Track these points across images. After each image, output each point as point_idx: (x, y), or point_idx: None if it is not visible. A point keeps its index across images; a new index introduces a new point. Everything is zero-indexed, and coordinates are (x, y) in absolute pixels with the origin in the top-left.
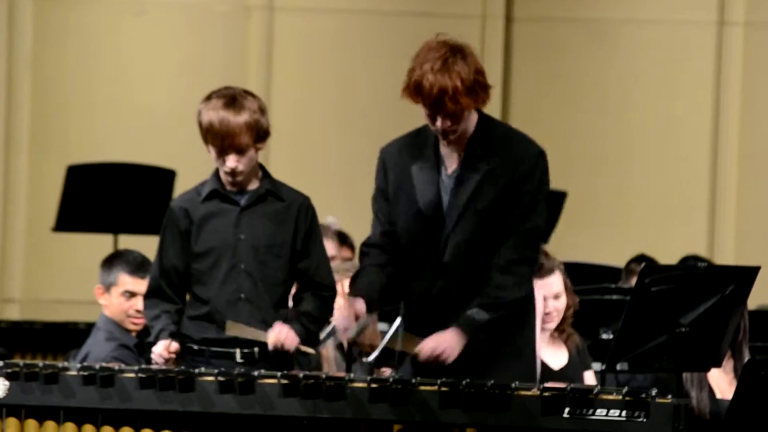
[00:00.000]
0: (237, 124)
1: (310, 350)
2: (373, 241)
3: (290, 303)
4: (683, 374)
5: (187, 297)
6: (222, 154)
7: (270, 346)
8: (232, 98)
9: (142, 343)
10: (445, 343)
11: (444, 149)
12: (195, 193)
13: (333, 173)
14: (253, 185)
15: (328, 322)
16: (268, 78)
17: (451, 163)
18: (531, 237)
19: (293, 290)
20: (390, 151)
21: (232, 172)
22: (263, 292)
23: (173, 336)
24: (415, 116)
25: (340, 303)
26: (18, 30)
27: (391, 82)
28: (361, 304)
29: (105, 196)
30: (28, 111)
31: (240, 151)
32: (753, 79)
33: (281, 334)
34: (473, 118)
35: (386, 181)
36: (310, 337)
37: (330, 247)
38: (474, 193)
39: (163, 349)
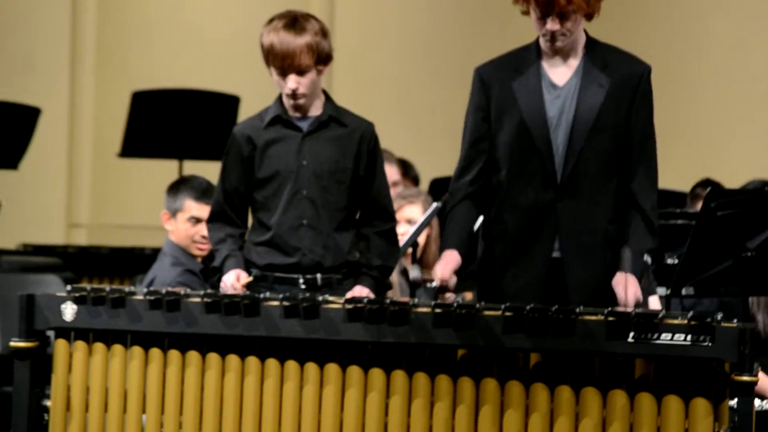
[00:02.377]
0: (297, 45)
1: None
2: (460, 188)
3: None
4: (749, 298)
5: (250, 222)
6: (283, 75)
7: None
8: (293, 20)
9: (207, 269)
10: (635, 287)
11: (550, 63)
12: (258, 119)
13: (394, 100)
14: (316, 111)
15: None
16: (332, 2)
17: (558, 76)
18: (655, 167)
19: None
20: (488, 68)
21: (294, 94)
22: (325, 218)
23: (242, 266)
24: (476, 43)
25: (402, 230)
26: None
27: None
28: (458, 258)
29: (170, 122)
30: (94, 37)
31: (300, 72)
32: None
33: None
34: (582, 33)
35: (486, 98)
36: (381, 288)
37: (392, 173)
38: (602, 108)
39: (234, 280)
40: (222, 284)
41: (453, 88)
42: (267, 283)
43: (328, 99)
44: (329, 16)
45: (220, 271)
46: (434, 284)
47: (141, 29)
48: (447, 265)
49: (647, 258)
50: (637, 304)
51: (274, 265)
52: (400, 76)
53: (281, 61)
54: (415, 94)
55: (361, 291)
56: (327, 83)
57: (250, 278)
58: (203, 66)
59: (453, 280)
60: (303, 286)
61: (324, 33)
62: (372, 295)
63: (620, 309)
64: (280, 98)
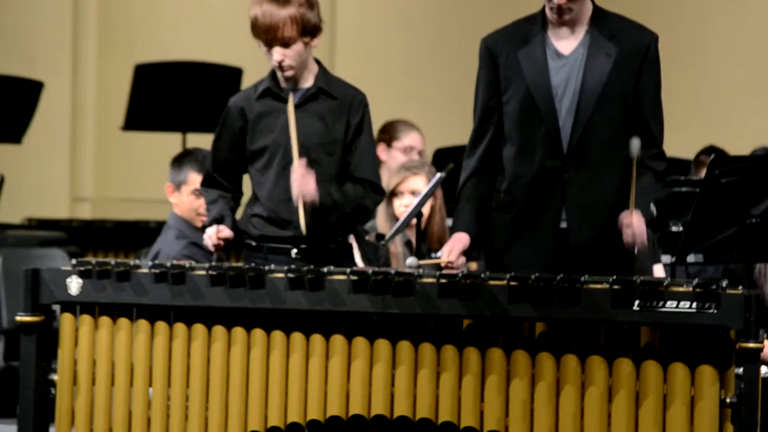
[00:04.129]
0: (281, 17)
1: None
2: (471, 164)
3: None
4: (756, 266)
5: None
6: (268, 47)
7: (293, 191)
8: None
9: None
10: (643, 225)
11: (554, 32)
12: (252, 90)
13: (397, 72)
14: (308, 82)
15: (368, 213)
16: None
17: (564, 45)
18: (662, 131)
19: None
20: (494, 38)
21: (280, 66)
22: (316, 189)
23: (222, 221)
24: (478, 17)
25: (406, 202)
26: None
27: None
28: (466, 240)
29: (173, 95)
30: (95, 10)
31: (285, 44)
32: None
33: (305, 185)
34: (588, 3)
35: (494, 68)
36: (333, 206)
37: (415, 139)
38: (609, 77)
39: (213, 233)
40: (205, 238)
41: (456, 59)
42: (261, 253)
43: (322, 69)
44: None
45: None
46: (438, 254)
47: (142, 2)
48: (454, 247)
49: (653, 208)
50: (642, 244)
51: (267, 236)
52: (403, 47)
53: (265, 34)
54: (418, 65)
55: (310, 177)
56: (330, 57)
57: (229, 233)
58: (205, 38)
59: (460, 261)
60: (296, 256)
61: (310, 4)
62: (312, 190)
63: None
64: (273, 70)
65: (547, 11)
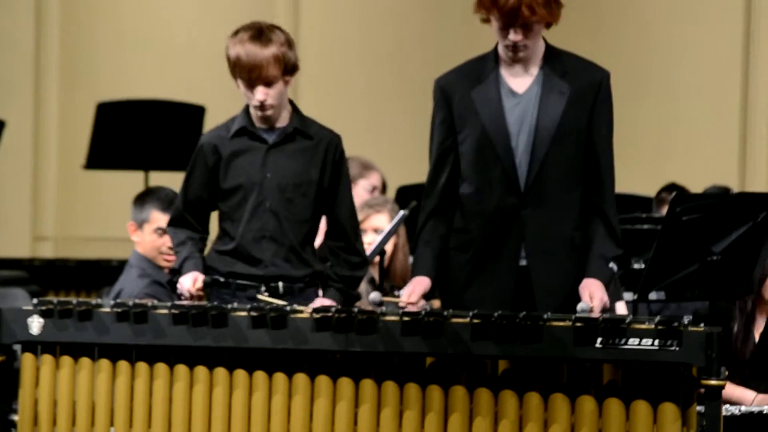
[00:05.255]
0: (264, 56)
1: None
2: (429, 206)
3: (318, 241)
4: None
5: (213, 231)
6: (250, 86)
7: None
8: (258, 31)
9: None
10: (602, 293)
11: (508, 71)
12: (224, 129)
13: (360, 109)
14: (283, 122)
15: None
16: (296, 12)
17: (518, 84)
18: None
19: (323, 227)
20: (448, 79)
21: (262, 105)
22: (288, 230)
23: (200, 269)
24: (442, 54)
25: (369, 240)
26: None
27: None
28: (426, 284)
29: (135, 133)
30: (58, 49)
31: (268, 83)
32: None
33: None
34: (541, 42)
35: (448, 108)
36: (349, 299)
37: (375, 179)
38: (563, 115)
39: (191, 284)
40: (178, 286)
41: (418, 96)
42: (229, 289)
43: (295, 110)
44: (294, 25)
45: (179, 273)
46: (401, 292)
47: (105, 40)
48: (414, 290)
49: (613, 265)
50: (604, 309)
51: (236, 273)
52: (365, 84)
53: (248, 73)
54: (380, 103)
55: (323, 302)
56: (292, 92)
57: (207, 279)
58: (168, 76)
59: (420, 305)
60: (265, 294)
61: (290, 43)
62: (331, 304)
63: (587, 315)
64: (246, 109)
65: (501, 50)
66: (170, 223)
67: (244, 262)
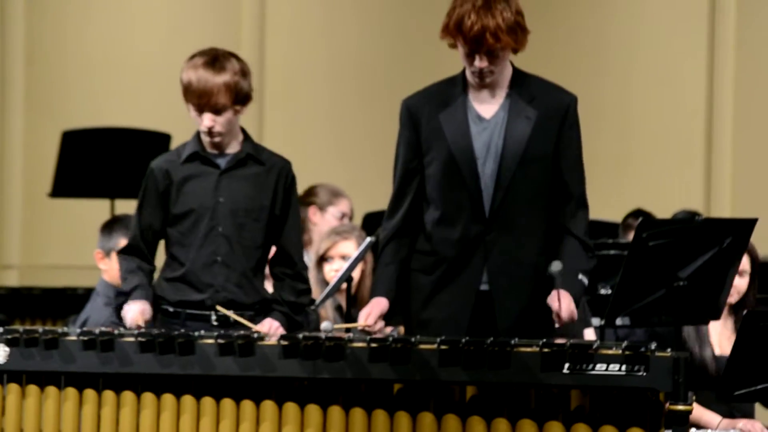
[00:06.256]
0: (215, 84)
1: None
2: (391, 227)
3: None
4: (684, 330)
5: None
6: (199, 112)
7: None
8: (213, 58)
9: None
10: (571, 304)
11: (476, 95)
12: (176, 154)
13: (326, 136)
14: (234, 148)
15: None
16: (262, 35)
17: (485, 109)
18: (585, 192)
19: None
20: (415, 100)
21: (209, 132)
22: (240, 255)
23: (149, 300)
24: (407, 75)
25: (336, 266)
26: None
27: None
28: (384, 305)
29: (101, 161)
30: (23, 76)
31: (217, 111)
32: (747, 36)
33: (270, 330)
34: (508, 66)
35: (415, 130)
36: (293, 324)
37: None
38: (530, 140)
39: (139, 315)
40: (123, 313)
41: (385, 122)
42: (179, 320)
43: (247, 137)
44: (259, 49)
45: (127, 296)
46: (355, 326)
47: (69, 69)
48: (372, 311)
49: (582, 278)
50: (572, 320)
51: (186, 301)
52: (331, 110)
53: (198, 99)
54: (347, 130)
55: (271, 324)
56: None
57: (150, 315)
58: (134, 104)
59: (378, 326)
60: (215, 323)
61: (244, 73)
62: (282, 330)
63: (556, 333)
64: (198, 134)
65: (468, 75)
66: (123, 251)
67: (193, 288)
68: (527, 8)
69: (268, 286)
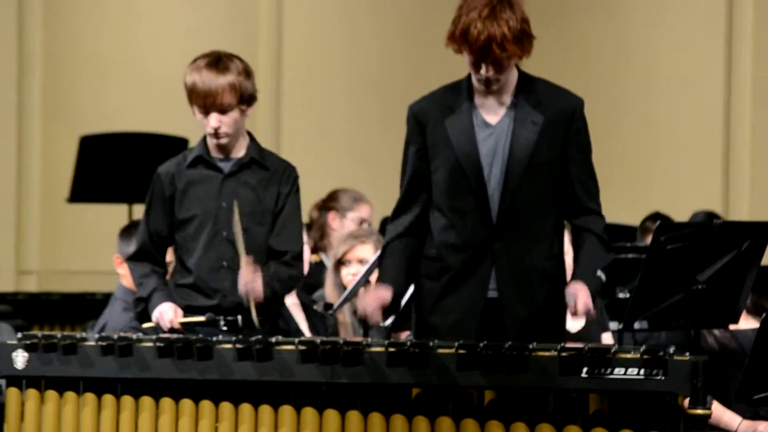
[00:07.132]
0: (219, 84)
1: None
2: (397, 228)
3: None
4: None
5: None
6: (205, 113)
7: (241, 288)
8: (216, 59)
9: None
10: (588, 298)
11: (482, 101)
12: (182, 159)
13: (344, 140)
14: (239, 152)
15: (293, 286)
16: (279, 42)
17: (491, 114)
18: (598, 194)
19: (307, 258)
20: (421, 106)
21: (216, 133)
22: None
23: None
24: (425, 79)
25: (354, 270)
26: (28, 1)
27: (401, 46)
28: (388, 293)
29: (118, 166)
30: (40, 82)
31: (223, 111)
32: (765, 39)
33: (253, 284)
34: (514, 71)
35: (422, 135)
36: (273, 296)
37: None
38: (536, 146)
39: (174, 315)
40: (158, 315)
41: (404, 127)
42: (189, 326)
43: (253, 140)
44: (277, 55)
45: (145, 301)
46: (386, 323)
47: (87, 74)
48: (372, 300)
49: (600, 273)
50: (587, 313)
51: (194, 307)
52: (349, 114)
53: (203, 100)
54: (365, 134)
55: (255, 275)
56: (276, 124)
57: (188, 319)
58: (150, 109)
59: (375, 315)
60: (224, 328)
61: (247, 73)
62: (259, 288)
63: (571, 344)
64: (204, 139)
65: (474, 81)
66: (133, 257)
67: (202, 294)
68: (547, 12)
69: None
